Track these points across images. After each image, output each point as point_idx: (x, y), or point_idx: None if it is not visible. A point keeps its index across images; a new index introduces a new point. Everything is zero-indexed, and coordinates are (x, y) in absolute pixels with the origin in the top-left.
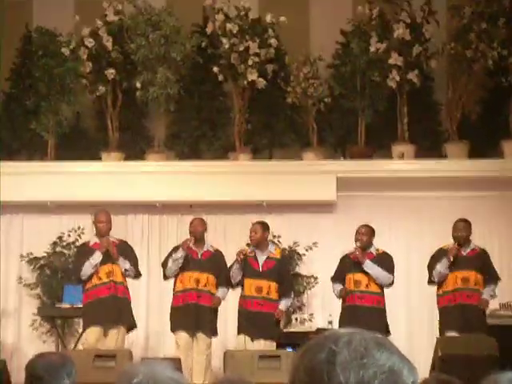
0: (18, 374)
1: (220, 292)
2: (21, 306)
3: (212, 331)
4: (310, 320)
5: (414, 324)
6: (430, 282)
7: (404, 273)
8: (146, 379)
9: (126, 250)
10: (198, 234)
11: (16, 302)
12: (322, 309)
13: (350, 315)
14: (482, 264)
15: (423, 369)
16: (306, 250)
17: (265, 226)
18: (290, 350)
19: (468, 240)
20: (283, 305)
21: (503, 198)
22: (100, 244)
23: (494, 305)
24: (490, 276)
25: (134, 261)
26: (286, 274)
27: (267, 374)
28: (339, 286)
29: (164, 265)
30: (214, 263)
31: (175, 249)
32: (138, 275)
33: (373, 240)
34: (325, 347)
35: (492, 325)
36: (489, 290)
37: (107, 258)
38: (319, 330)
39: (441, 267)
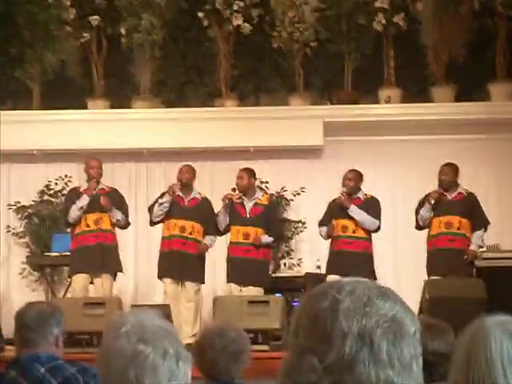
0: (7, 323)
1: (207, 239)
2: (9, 255)
3: (199, 278)
4: (299, 265)
5: (400, 267)
6: (417, 227)
7: (391, 217)
8: (134, 328)
9: (117, 200)
10: (184, 180)
11: (5, 250)
12: (310, 254)
13: (336, 260)
14: (469, 208)
15: None
16: (294, 196)
17: (251, 173)
18: (278, 295)
19: (454, 184)
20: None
21: (490, 140)
22: (88, 188)
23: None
24: (478, 221)
25: (125, 210)
26: (274, 219)
27: (256, 319)
28: (325, 229)
29: (150, 210)
30: (201, 211)
31: (162, 195)
32: (127, 225)
33: (360, 185)
34: (328, 295)
35: (479, 267)
36: (477, 238)
37: (96, 206)
38: (308, 275)
39: (423, 211)
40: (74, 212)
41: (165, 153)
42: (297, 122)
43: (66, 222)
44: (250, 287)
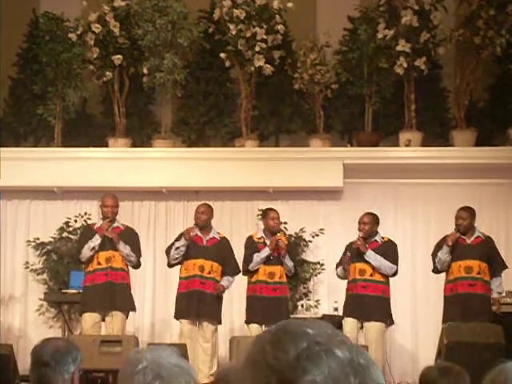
0: (24, 359)
1: (224, 281)
2: (27, 292)
3: (217, 318)
4: (316, 306)
5: (419, 312)
6: (435, 270)
7: (410, 260)
8: (150, 365)
9: (129, 237)
10: (201, 222)
11: (23, 287)
12: (327, 295)
13: (353, 303)
14: (487, 252)
15: (429, 357)
16: (313, 237)
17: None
18: None
19: (471, 228)
20: None
21: (510, 185)
22: (100, 227)
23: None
24: (497, 265)
25: (135, 247)
26: (294, 254)
27: None
28: (341, 269)
29: (167, 252)
30: (220, 251)
31: (179, 236)
32: (138, 265)
33: (377, 228)
34: None
35: (498, 312)
36: (496, 284)
37: (108, 244)
38: (325, 317)
39: (441, 254)
40: (85, 252)
41: (184, 192)
42: (317, 163)
43: (79, 260)
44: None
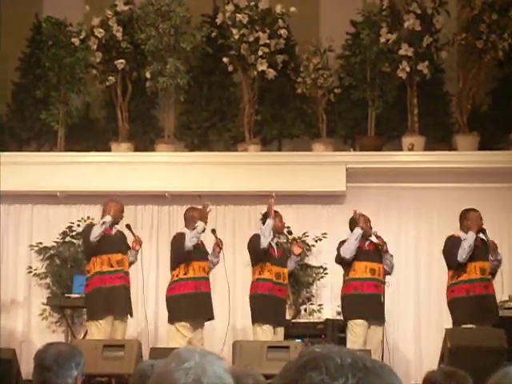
0: (27, 364)
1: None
2: (30, 296)
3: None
4: (319, 311)
5: (422, 316)
6: (455, 264)
7: (413, 264)
8: (196, 367)
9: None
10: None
11: (26, 291)
12: (330, 300)
13: (363, 304)
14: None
15: (432, 360)
16: (316, 241)
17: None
18: (298, 341)
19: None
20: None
21: None
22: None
23: (503, 296)
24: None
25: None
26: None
27: (275, 364)
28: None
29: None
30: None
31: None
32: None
33: None
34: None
35: (501, 316)
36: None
37: (117, 247)
38: (328, 321)
39: (468, 242)
40: (97, 230)
41: (187, 196)
42: (319, 167)
43: (88, 245)
44: (278, 328)
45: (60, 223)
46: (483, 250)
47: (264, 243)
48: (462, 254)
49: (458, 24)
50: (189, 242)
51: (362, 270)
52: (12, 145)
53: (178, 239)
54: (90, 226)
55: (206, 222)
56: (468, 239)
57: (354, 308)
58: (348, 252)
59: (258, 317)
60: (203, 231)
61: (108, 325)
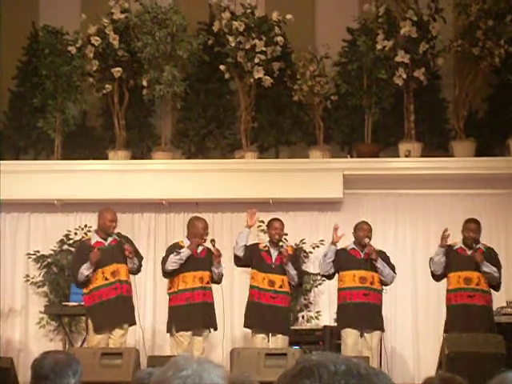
0: (24, 373)
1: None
2: (28, 304)
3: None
4: (317, 318)
5: (420, 322)
6: (431, 274)
7: (410, 271)
8: (193, 376)
9: (129, 242)
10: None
11: (23, 300)
12: (328, 307)
13: (355, 313)
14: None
15: (430, 367)
16: (313, 248)
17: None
18: (296, 347)
19: (477, 242)
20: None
21: (510, 195)
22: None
23: (501, 302)
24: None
25: (139, 255)
26: (299, 264)
27: (273, 371)
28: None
29: (164, 261)
30: (209, 260)
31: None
32: (140, 268)
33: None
34: None
35: (499, 322)
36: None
37: (111, 258)
38: (326, 328)
39: (435, 256)
40: (83, 272)
41: (184, 204)
42: (316, 174)
43: (77, 281)
44: (278, 335)
45: (57, 231)
46: (469, 259)
47: (235, 250)
48: (432, 266)
49: (455, 31)
50: (169, 266)
51: (349, 279)
52: (9, 153)
53: (166, 255)
54: (79, 256)
55: (204, 241)
56: (435, 252)
57: (344, 317)
58: (322, 268)
59: (248, 323)
60: (188, 257)
61: (103, 339)
